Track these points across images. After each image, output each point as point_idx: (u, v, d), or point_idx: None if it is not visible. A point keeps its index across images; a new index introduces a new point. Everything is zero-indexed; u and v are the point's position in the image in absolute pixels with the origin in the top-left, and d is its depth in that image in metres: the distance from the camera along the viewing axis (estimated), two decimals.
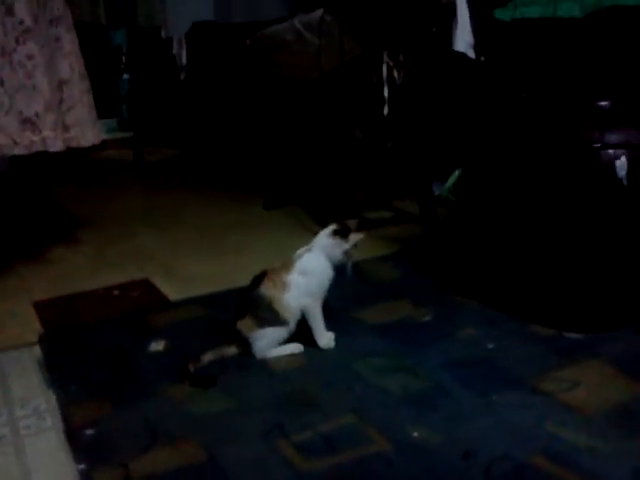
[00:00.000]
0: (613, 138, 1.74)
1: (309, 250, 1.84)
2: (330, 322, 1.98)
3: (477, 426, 1.48)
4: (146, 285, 2.34)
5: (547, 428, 1.47)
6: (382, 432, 1.45)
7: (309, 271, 1.81)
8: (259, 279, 1.82)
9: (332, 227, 1.84)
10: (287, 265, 1.81)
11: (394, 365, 1.74)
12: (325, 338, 1.84)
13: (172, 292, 2.26)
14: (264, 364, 1.77)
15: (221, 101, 3.88)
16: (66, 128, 2.41)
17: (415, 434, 1.45)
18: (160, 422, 1.50)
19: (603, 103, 1.79)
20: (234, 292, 2.23)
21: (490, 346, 1.85)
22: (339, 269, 1.85)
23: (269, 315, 1.77)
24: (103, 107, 5.36)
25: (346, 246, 1.80)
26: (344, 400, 1.58)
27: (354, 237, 1.81)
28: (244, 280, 2.31)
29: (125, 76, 5.26)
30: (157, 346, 1.88)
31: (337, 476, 1.32)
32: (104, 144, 4.86)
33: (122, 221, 3.12)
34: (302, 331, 1.84)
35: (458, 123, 2.91)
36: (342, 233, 1.81)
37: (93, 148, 4.53)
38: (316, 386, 1.65)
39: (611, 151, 1.73)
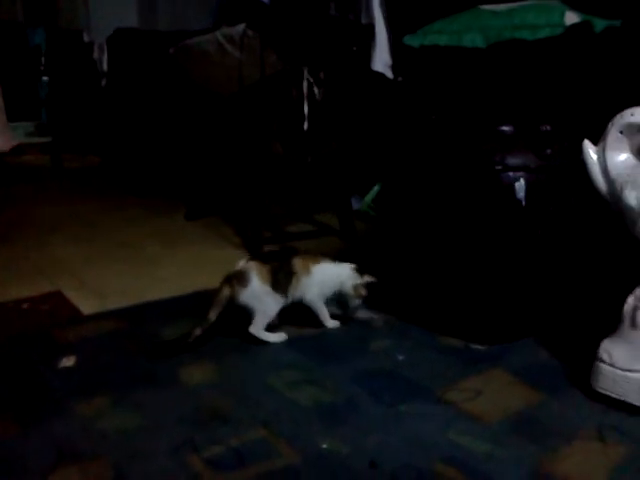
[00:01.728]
0: (513, 161, 1.84)
1: (335, 264, 2.10)
2: (243, 336, 2.01)
3: (384, 436, 1.53)
4: (58, 298, 2.28)
5: (449, 436, 1.54)
6: (292, 445, 1.48)
7: (327, 277, 2.05)
8: (292, 252, 2.06)
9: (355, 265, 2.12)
10: (317, 259, 2.05)
11: (306, 378, 1.77)
12: (331, 322, 2.09)
13: (85, 305, 2.22)
14: (176, 379, 1.76)
15: (142, 109, 3.83)
16: None
17: (324, 446, 1.48)
18: (67, 441, 1.47)
19: (505, 128, 1.90)
20: (149, 305, 2.22)
21: (400, 358, 1.91)
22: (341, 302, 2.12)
23: (284, 282, 1.97)
24: (21, 110, 5.19)
25: (358, 281, 2.07)
26: (255, 414, 1.60)
27: (367, 278, 2.09)
28: (160, 293, 2.32)
29: (45, 78, 5.11)
30: (67, 362, 1.84)
31: None
32: (21, 149, 4.70)
33: (35, 231, 3.03)
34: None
35: (376, 140, 3.00)
36: (360, 271, 2.10)
37: (8, 152, 4.39)
38: (228, 400, 1.66)
39: (511, 173, 1.83)
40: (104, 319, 2.12)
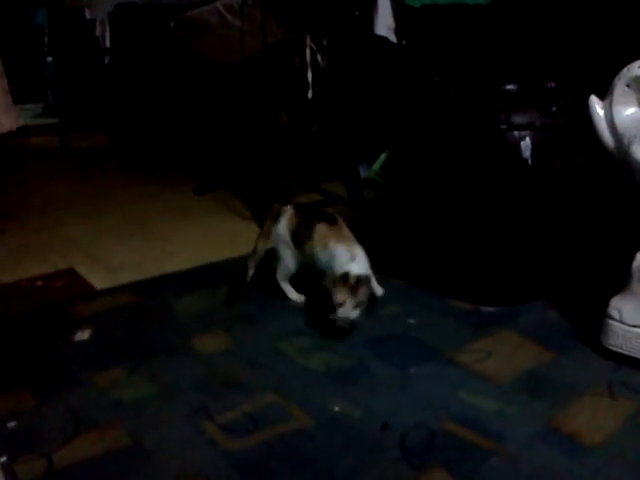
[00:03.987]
0: (518, 120, 1.82)
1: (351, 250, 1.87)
2: (256, 307, 2.03)
3: (395, 398, 1.55)
4: (71, 275, 2.31)
5: (459, 396, 1.55)
6: (304, 409, 1.51)
7: (336, 261, 1.85)
8: (326, 217, 1.95)
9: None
10: (340, 236, 1.90)
11: (317, 344, 1.79)
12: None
13: (98, 281, 2.24)
14: (189, 349, 1.79)
15: (147, 85, 3.81)
16: None
17: (336, 409, 1.51)
18: (84, 410, 1.50)
19: (510, 87, 1.88)
20: (161, 279, 2.25)
21: (411, 321, 1.93)
22: None
23: (300, 241, 1.95)
24: (28, 92, 5.19)
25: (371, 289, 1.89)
26: (267, 380, 1.63)
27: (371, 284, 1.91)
28: (172, 267, 2.34)
29: (49, 59, 5.09)
30: (82, 335, 1.87)
31: (260, 453, 1.36)
32: (28, 131, 4.72)
33: (47, 210, 3.06)
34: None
35: (382, 106, 2.98)
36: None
37: (17, 135, 4.40)
38: (240, 368, 1.69)
39: (517, 132, 1.81)
40: (117, 293, 2.14)
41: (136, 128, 4.13)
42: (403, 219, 2.26)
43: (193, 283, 2.21)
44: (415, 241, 2.19)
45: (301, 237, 1.94)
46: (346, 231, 1.92)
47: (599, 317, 1.76)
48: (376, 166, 3.20)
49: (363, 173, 3.17)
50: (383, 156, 3.15)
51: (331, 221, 1.92)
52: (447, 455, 1.36)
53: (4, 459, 1.34)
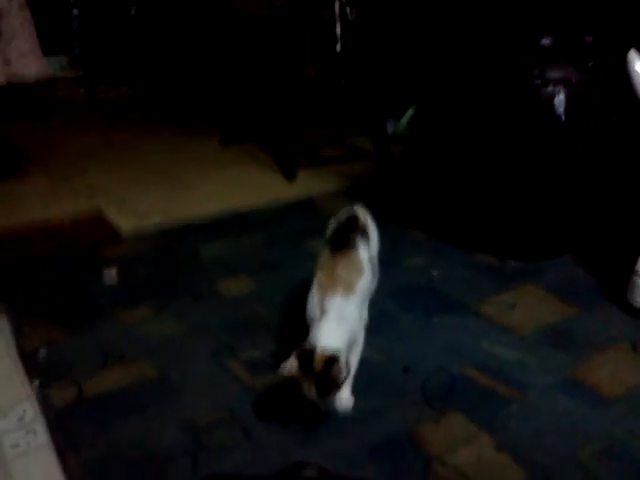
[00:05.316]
0: (553, 75, 1.78)
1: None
2: (280, 255, 2.04)
3: (417, 345, 1.57)
4: (99, 219, 2.34)
5: (482, 346, 1.57)
6: None
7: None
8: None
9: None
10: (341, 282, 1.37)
11: None
12: None
13: (125, 226, 2.26)
14: (214, 291, 1.81)
15: (173, 36, 3.79)
16: (7, 61, 2.33)
17: None
18: (112, 345, 1.54)
19: (545, 41, 1.83)
20: (187, 227, 2.27)
21: (434, 273, 1.93)
22: None
23: None
24: (54, 43, 5.18)
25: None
26: (291, 323, 1.65)
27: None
28: (198, 215, 2.36)
29: (75, 11, 5.06)
30: (110, 276, 1.90)
31: (284, 391, 1.39)
32: (55, 82, 4.71)
33: (74, 158, 3.07)
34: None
35: (412, 60, 2.93)
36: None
37: (43, 86, 4.40)
38: (266, 311, 1.71)
39: (551, 88, 1.78)
40: (144, 238, 2.17)
41: (162, 80, 4.12)
42: (429, 174, 2.25)
43: (219, 230, 2.23)
44: (441, 196, 2.18)
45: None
46: (348, 268, 1.39)
47: (625, 275, 1.76)
48: (404, 121, 3.17)
49: (390, 128, 3.13)
50: (411, 111, 3.11)
51: (338, 247, 1.44)
52: (467, 400, 1.38)
53: (37, 384, 1.39)
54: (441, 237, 2.15)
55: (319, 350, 1.20)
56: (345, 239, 1.47)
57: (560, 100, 1.80)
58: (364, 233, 1.52)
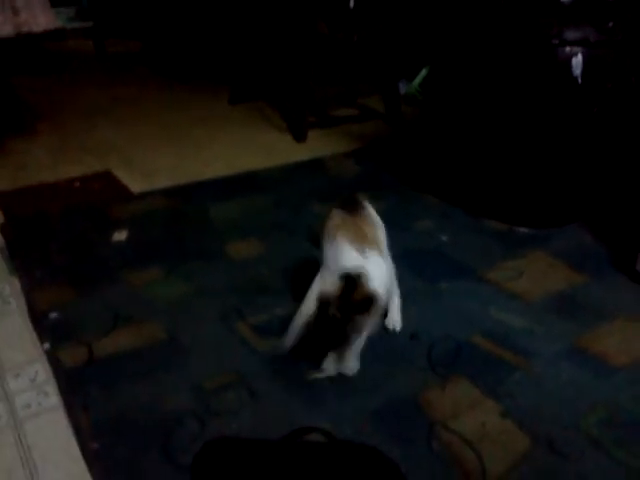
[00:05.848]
0: (571, 35, 1.74)
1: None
2: (289, 216, 2.04)
3: (424, 311, 1.58)
4: (108, 177, 2.33)
5: (489, 313, 1.57)
6: None
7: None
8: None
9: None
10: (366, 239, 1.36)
11: None
12: None
13: (134, 184, 2.27)
14: (223, 254, 1.82)
15: None
16: (15, 12, 2.31)
17: None
18: (122, 306, 1.56)
19: None
20: (196, 186, 2.26)
21: (444, 238, 1.93)
22: None
23: None
24: None
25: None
26: (301, 287, 1.64)
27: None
28: (206, 174, 2.35)
29: None
30: (119, 236, 1.91)
31: (290, 353, 1.40)
32: (63, 34, 4.64)
33: (82, 114, 3.06)
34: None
35: (426, 19, 2.86)
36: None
37: (51, 38, 4.34)
38: (274, 274, 1.72)
39: (568, 48, 1.73)
40: (153, 197, 2.17)
41: (172, 34, 4.05)
42: (441, 137, 2.22)
43: (228, 190, 2.22)
44: (452, 159, 2.15)
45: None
46: (368, 227, 1.40)
47: (635, 244, 1.74)
48: (416, 82, 3.11)
49: (402, 89, 3.08)
50: (424, 72, 3.05)
51: (352, 207, 1.44)
52: (472, 367, 1.38)
53: (48, 345, 1.41)
54: (452, 201, 2.14)
55: (363, 278, 1.19)
56: (355, 202, 1.48)
57: (577, 61, 1.76)
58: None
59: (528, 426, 1.22)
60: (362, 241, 1.32)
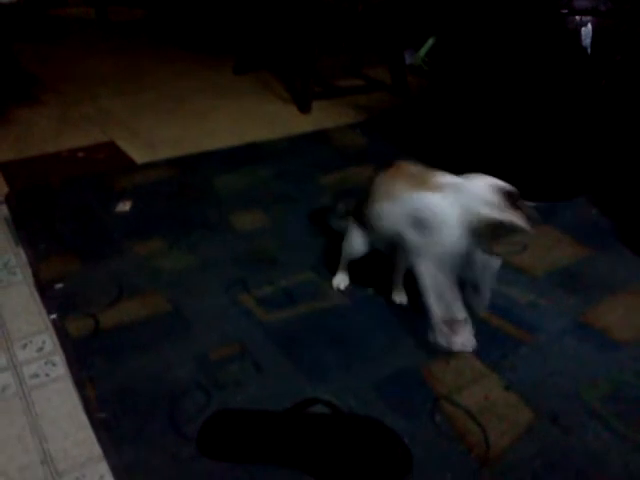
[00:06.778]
0: (581, 4, 1.70)
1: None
2: (294, 188, 2.03)
3: None
4: (111, 148, 2.32)
5: (494, 287, 1.56)
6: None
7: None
8: None
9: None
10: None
11: None
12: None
13: (138, 155, 2.25)
14: (228, 225, 1.81)
15: None
16: None
17: (370, 291, 1.54)
18: (127, 277, 1.56)
19: None
20: (201, 157, 2.25)
21: None
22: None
23: None
24: None
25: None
26: (305, 259, 1.65)
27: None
28: (210, 145, 2.34)
29: None
30: (123, 206, 1.90)
31: (295, 326, 1.41)
32: (66, 0, 4.59)
33: (85, 83, 3.03)
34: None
35: None
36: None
37: (53, 4, 4.28)
38: (279, 245, 1.72)
39: (578, 18, 1.70)
40: (157, 167, 2.15)
41: (176, 3, 4.00)
42: (447, 108, 2.19)
43: (232, 161, 2.21)
44: (458, 131, 2.13)
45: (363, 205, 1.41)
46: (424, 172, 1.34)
47: None
48: (422, 52, 3.07)
49: (408, 59, 3.04)
50: (430, 41, 3.01)
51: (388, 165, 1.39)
52: (477, 341, 1.38)
53: (54, 316, 1.42)
54: (457, 173, 2.11)
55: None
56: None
57: (587, 31, 1.72)
58: None
59: (531, 400, 1.23)
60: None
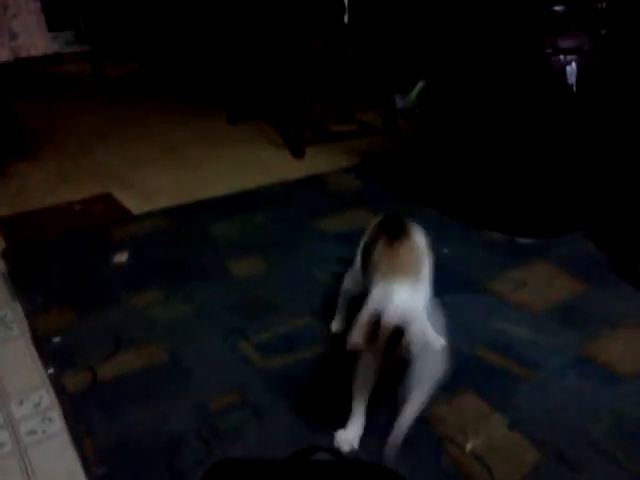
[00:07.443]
0: (565, 44, 1.75)
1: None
2: (290, 233, 2.04)
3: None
4: (108, 199, 2.34)
5: (493, 325, 1.56)
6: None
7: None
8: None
9: None
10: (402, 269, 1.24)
11: None
12: None
13: (134, 206, 2.27)
14: (224, 272, 1.82)
15: (179, 12, 3.74)
16: (13, 36, 2.32)
17: None
18: (124, 328, 1.55)
19: (557, 7, 1.79)
20: (196, 206, 2.26)
21: (445, 251, 1.92)
22: None
23: None
24: (58, 18, 5.13)
25: None
26: (302, 304, 1.65)
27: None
28: (206, 193, 2.36)
29: None
30: (120, 257, 1.91)
31: (293, 370, 1.40)
32: (62, 58, 4.69)
33: (82, 136, 3.07)
34: None
35: (420, 32, 2.88)
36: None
37: (51, 62, 4.36)
38: (276, 291, 1.71)
39: (562, 57, 1.74)
40: (153, 218, 2.17)
41: (170, 55, 4.08)
42: (439, 149, 2.22)
43: (228, 209, 2.22)
44: (451, 172, 2.15)
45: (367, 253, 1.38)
46: (407, 254, 1.29)
47: (637, 250, 1.74)
48: (413, 95, 3.13)
49: (399, 103, 3.09)
50: (420, 84, 3.06)
51: (393, 235, 1.33)
52: (478, 379, 1.38)
53: (51, 371, 1.40)
54: (452, 214, 2.14)
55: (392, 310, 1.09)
56: (400, 226, 1.37)
57: (572, 70, 1.77)
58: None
59: (536, 438, 1.21)
60: (396, 270, 1.21)
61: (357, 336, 1.10)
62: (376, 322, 1.09)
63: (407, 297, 1.14)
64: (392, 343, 1.09)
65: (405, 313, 1.10)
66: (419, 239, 1.37)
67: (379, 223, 1.43)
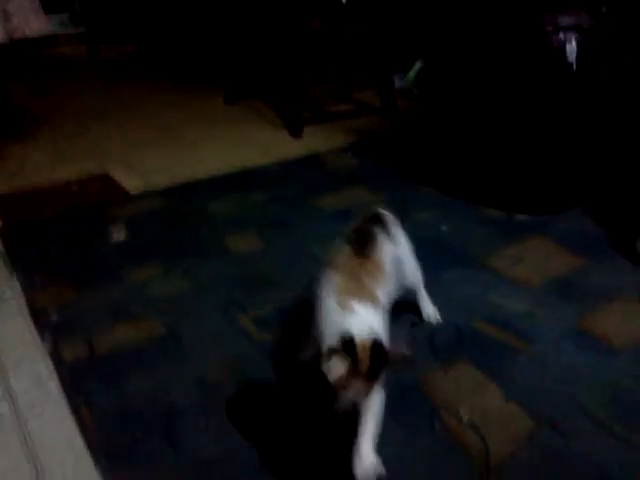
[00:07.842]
0: (565, 21, 1.73)
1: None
2: (287, 211, 2.04)
3: None
4: (105, 179, 2.33)
5: (490, 299, 1.56)
6: None
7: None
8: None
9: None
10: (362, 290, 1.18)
11: None
12: None
13: (131, 185, 2.27)
14: (222, 249, 1.82)
15: None
16: (8, 18, 2.31)
17: None
18: (121, 303, 1.56)
19: None
20: (194, 185, 2.26)
21: (443, 228, 1.92)
22: None
23: None
24: (53, 0, 5.09)
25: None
26: (301, 280, 1.65)
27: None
28: (203, 173, 2.35)
29: None
30: (118, 235, 1.91)
31: (291, 344, 1.40)
32: (57, 40, 4.66)
33: (78, 117, 3.06)
34: None
35: (419, 11, 2.86)
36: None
37: (46, 44, 4.34)
38: (274, 267, 1.72)
39: (562, 35, 1.73)
40: (151, 197, 2.17)
41: (166, 36, 4.05)
42: (437, 128, 2.22)
43: (225, 188, 2.22)
44: (449, 150, 2.15)
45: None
46: (369, 272, 1.22)
47: (635, 226, 1.74)
48: (411, 74, 3.11)
49: (398, 83, 3.08)
50: (418, 64, 3.05)
51: (361, 245, 1.28)
52: (475, 352, 1.38)
53: (49, 343, 1.41)
54: (450, 192, 2.14)
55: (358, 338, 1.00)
56: (368, 239, 1.31)
57: (572, 48, 1.75)
58: (388, 232, 1.38)
59: (531, 408, 1.22)
60: (356, 293, 1.15)
61: (335, 367, 0.98)
62: (348, 343, 0.99)
63: (367, 318, 1.09)
64: (375, 359, 0.99)
65: (372, 329, 1.04)
66: (387, 250, 1.31)
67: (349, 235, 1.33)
